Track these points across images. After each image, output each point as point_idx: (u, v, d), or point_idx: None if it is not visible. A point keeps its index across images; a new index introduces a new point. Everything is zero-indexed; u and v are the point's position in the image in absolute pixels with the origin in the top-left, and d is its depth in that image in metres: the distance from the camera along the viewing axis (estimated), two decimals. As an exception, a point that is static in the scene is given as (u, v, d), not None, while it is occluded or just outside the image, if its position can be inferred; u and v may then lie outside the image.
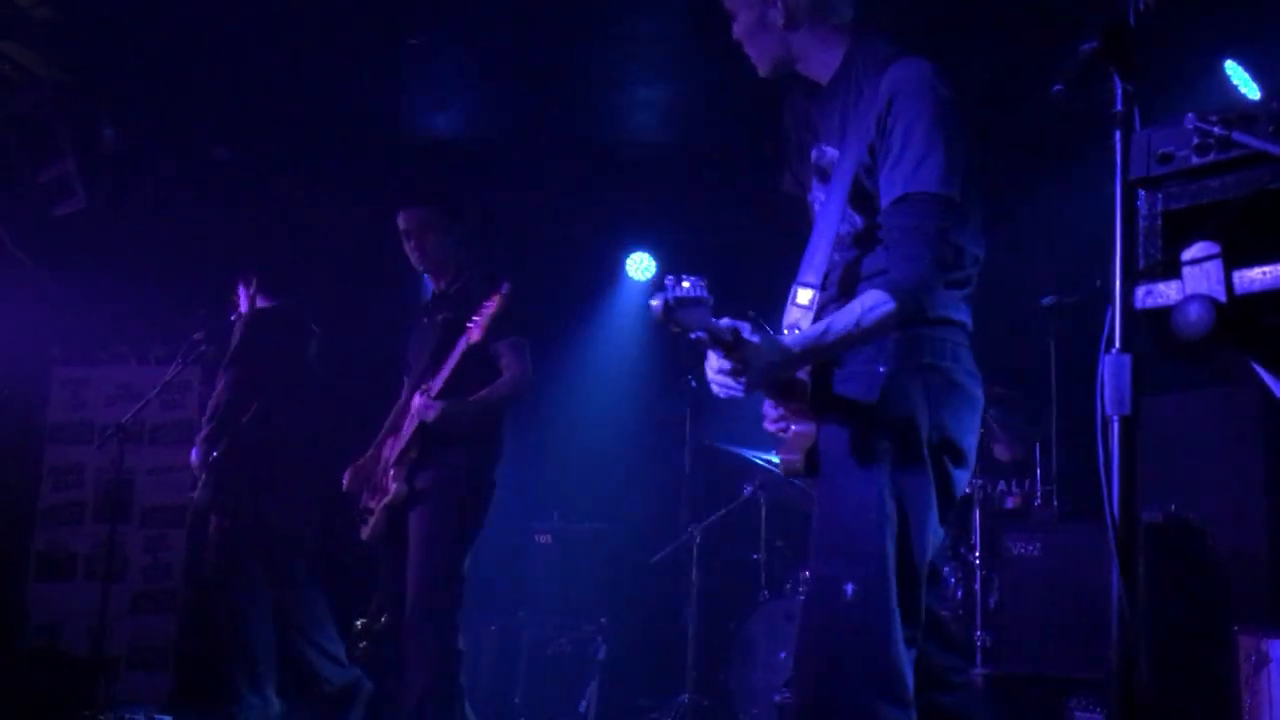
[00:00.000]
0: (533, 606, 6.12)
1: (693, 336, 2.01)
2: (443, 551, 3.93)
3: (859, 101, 2.33)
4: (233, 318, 5.48)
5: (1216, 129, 1.22)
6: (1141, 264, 1.32)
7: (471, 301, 3.99)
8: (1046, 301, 4.53)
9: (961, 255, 2.32)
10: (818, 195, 2.49)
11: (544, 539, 6.24)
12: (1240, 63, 4.24)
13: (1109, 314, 1.49)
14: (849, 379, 2.29)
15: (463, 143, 6.46)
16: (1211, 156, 1.24)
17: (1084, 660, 3.61)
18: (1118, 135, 1.59)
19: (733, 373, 2.09)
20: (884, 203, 2.25)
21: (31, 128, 5.38)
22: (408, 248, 4.23)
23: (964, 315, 2.36)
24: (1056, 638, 3.67)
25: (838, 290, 2.38)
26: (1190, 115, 1.25)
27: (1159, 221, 1.30)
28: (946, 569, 4.84)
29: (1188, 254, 1.27)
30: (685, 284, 1.95)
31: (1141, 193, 1.32)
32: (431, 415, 3.91)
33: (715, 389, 2.21)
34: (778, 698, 4.70)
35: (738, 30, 2.48)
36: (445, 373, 3.94)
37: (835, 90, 2.41)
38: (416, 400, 3.98)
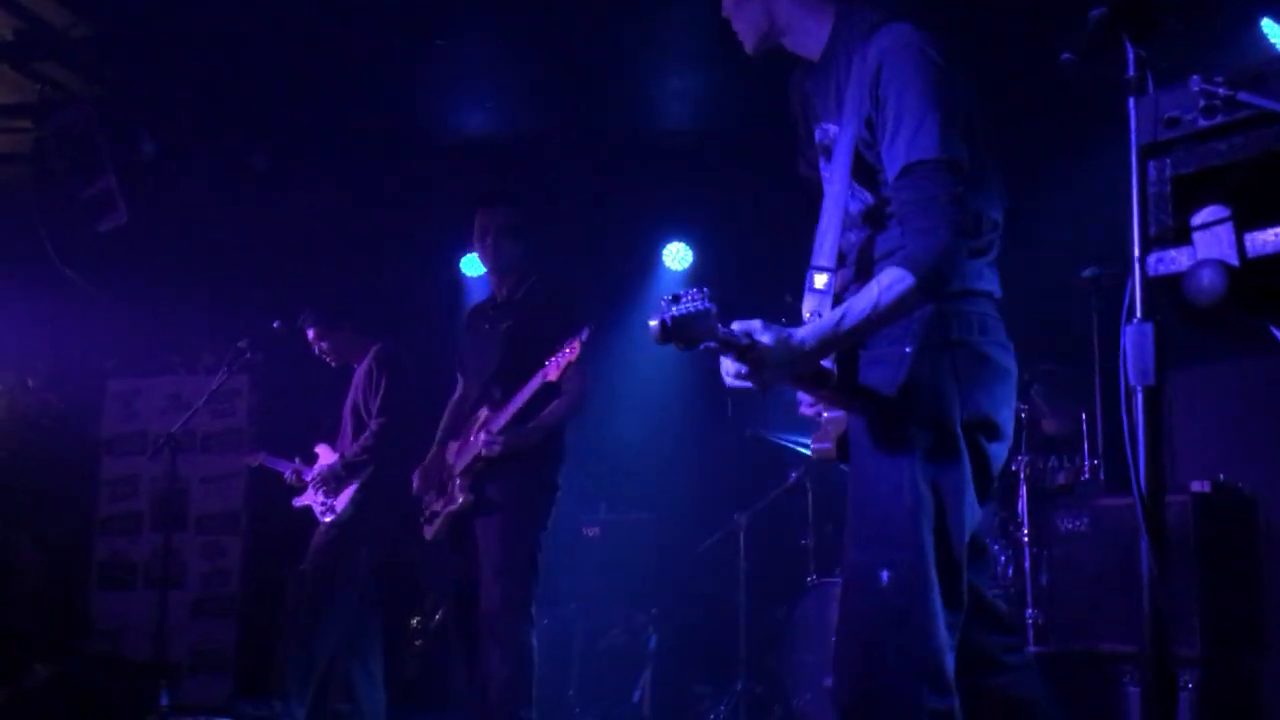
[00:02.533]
0: (584, 599, 6.15)
1: (702, 348, 2.00)
2: (517, 553, 3.99)
3: (850, 75, 2.27)
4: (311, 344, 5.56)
5: (1222, 90, 1.19)
6: (1153, 231, 1.30)
7: (538, 318, 4.10)
8: (1087, 273, 4.45)
9: (980, 221, 2.25)
10: (826, 176, 2.42)
11: (592, 532, 6.26)
12: (1278, 20, 4.15)
13: (1129, 284, 1.47)
14: (875, 362, 2.23)
15: (497, 140, 6.49)
16: (1219, 118, 1.21)
17: (1137, 634, 3.55)
18: (1131, 102, 1.57)
19: (748, 375, 2.07)
20: (890, 177, 2.19)
21: (73, 146, 5.47)
22: (479, 247, 4.26)
23: (990, 283, 2.30)
24: (1108, 613, 3.62)
25: (855, 271, 2.33)
26: (1195, 77, 1.23)
27: (1168, 187, 1.27)
28: (996, 547, 4.82)
29: (1198, 219, 1.25)
30: (680, 301, 1.93)
31: (1151, 159, 1.29)
32: (495, 451, 3.99)
33: (731, 386, 2.18)
34: (829, 681, 4.68)
35: (725, 4, 2.44)
36: (513, 408, 4.03)
37: (827, 65, 2.36)
38: (480, 437, 4.05)
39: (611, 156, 6.45)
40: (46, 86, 5.51)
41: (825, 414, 2.33)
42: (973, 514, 2.23)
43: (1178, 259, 1.28)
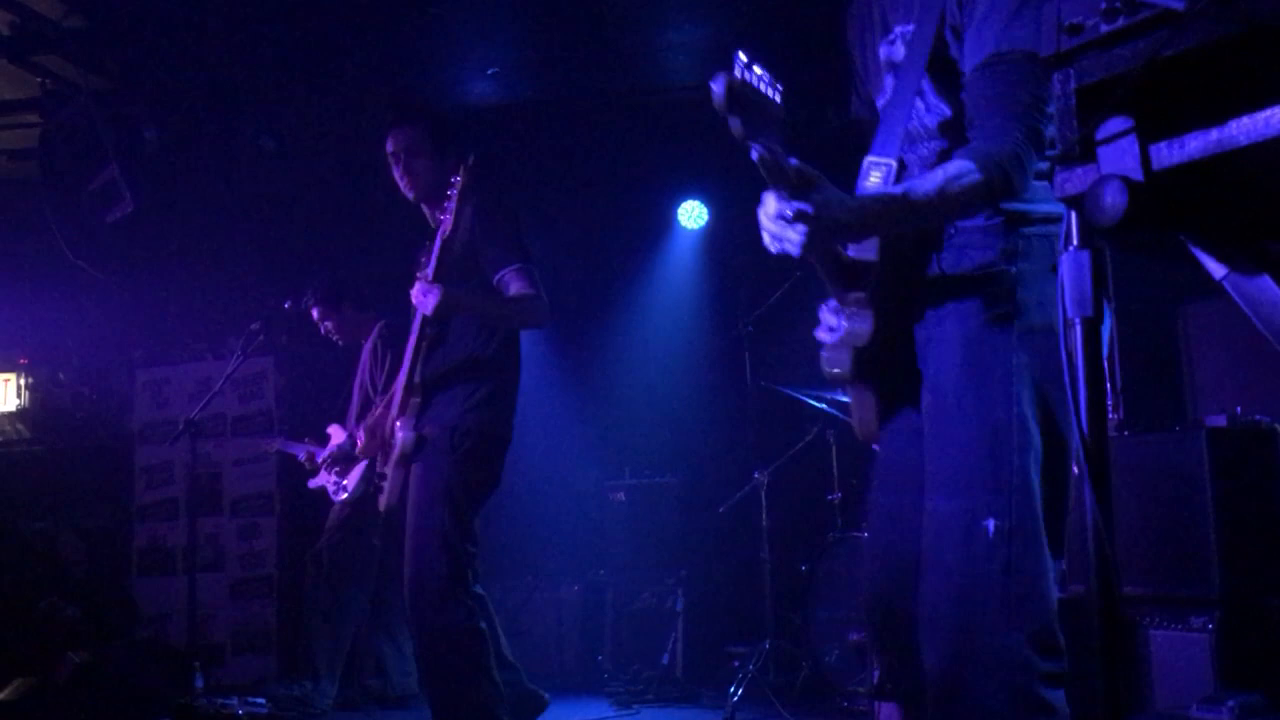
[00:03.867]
0: (613, 564, 6.14)
1: (753, 154, 1.68)
2: (439, 504, 3.44)
3: None
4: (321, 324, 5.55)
5: (1120, -10, 1.10)
6: (1058, 149, 1.21)
7: (471, 234, 3.57)
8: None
9: (1042, 141, 1.94)
10: (892, 84, 2.15)
11: (618, 496, 6.24)
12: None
13: (1056, 179, 1.36)
14: (974, 282, 1.97)
15: (504, 107, 6.42)
16: (1120, 21, 1.11)
17: (1157, 577, 3.45)
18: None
19: (795, 217, 1.75)
20: (969, 67, 1.93)
21: (77, 138, 5.48)
22: (396, 175, 3.70)
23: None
24: (1126, 555, 3.50)
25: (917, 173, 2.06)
26: (1093, -22, 1.13)
27: (1073, 101, 1.18)
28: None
29: (1101, 132, 1.16)
30: (757, 70, 1.64)
31: (1056, 71, 1.20)
32: (432, 302, 3.39)
33: (767, 241, 1.85)
34: (853, 636, 4.63)
35: None
36: (433, 262, 3.52)
37: None
38: (414, 291, 3.48)
39: (620, 117, 6.35)
40: (47, 80, 5.52)
41: (843, 323, 2.01)
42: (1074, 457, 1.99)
43: (1083, 177, 1.19)
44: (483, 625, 3.44)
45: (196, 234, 6.60)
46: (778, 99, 1.68)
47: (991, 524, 1.87)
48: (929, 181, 1.86)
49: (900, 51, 2.09)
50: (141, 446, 7.32)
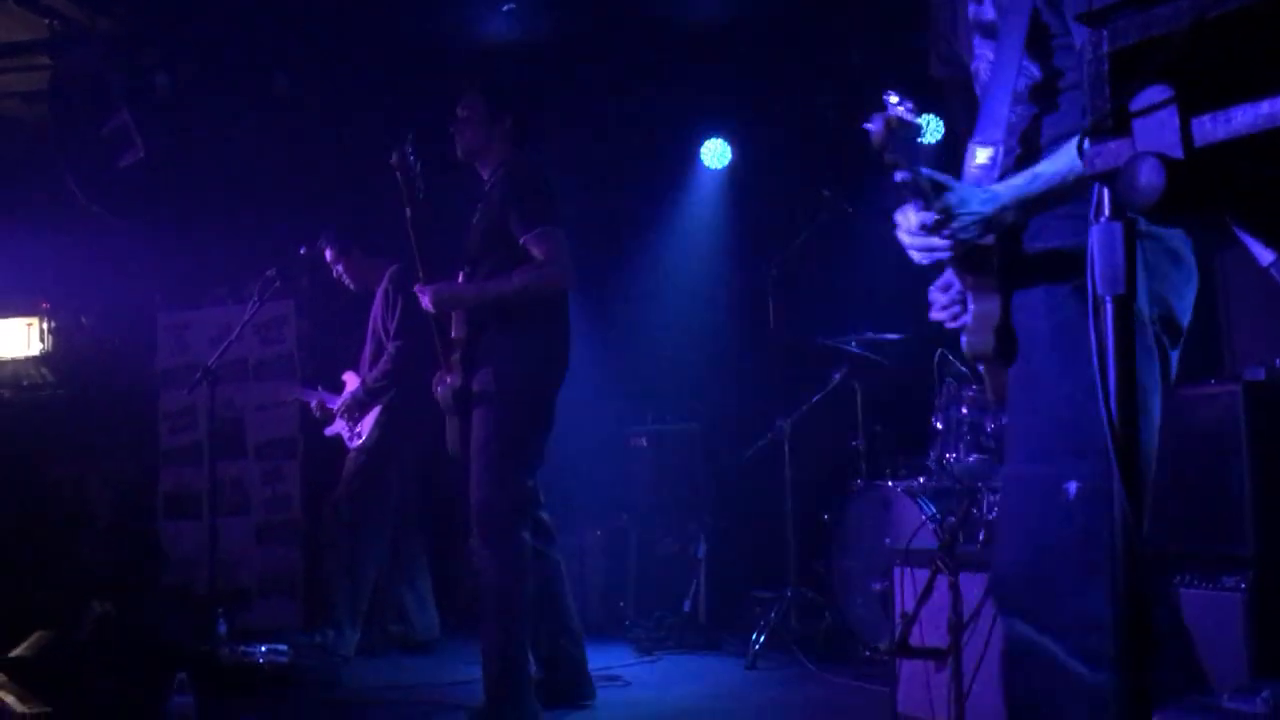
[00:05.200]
0: (635, 510, 6.10)
1: (898, 178, 1.78)
2: (497, 446, 3.76)
3: None
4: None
5: (1162, -59, 0.98)
6: (1088, 119, 1.09)
7: (497, 209, 3.87)
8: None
9: None
10: (983, 55, 2.13)
11: (640, 442, 6.18)
12: None
13: (1086, 152, 1.25)
14: (1057, 245, 1.97)
15: (521, 46, 6.25)
16: (1162, -22, 0.99)
17: (1187, 532, 3.34)
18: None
19: (936, 226, 1.83)
20: (1077, 38, 1.86)
21: (87, 82, 5.39)
22: (454, 130, 4.10)
23: None
24: (1158, 510, 3.40)
25: (1019, 155, 2.05)
26: (1131, -70, 1.01)
27: (1105, 65, 1.06)
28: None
29: (1137, 103, 1.04)
30: (903, 103, 1.74)
31: (1089, 30, 1.08)
32: (426, 302, 3.86)
33: (914, 255, 1.96)
34: (877, 586, 4.57)
35: None
36: (419, 262, 3.98)
37: None
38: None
39: (640, 53, 6.18)
40: (55, 22, 5.41)
41: (972, 306, 2.05)
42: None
43: (1116, 152, 1.08)
44: (538, 574, 3.85)
45: (213, 178, 6.52)
46: (918, 121, 1.75)
47: (1073, 486, 1.88)
48: (1058, 163, 1.86)
49: (989, 12, 2.06)
50: (165, 391, 7.30)
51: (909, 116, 1.73)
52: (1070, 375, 1.90)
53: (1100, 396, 1.35)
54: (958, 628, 3.18)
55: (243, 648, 4.98)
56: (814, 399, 5.29)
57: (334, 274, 5.43)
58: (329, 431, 5.46)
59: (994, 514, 4.48)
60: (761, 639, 4.86)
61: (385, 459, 5.16)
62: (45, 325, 7.25)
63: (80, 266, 7.12)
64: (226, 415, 6.91)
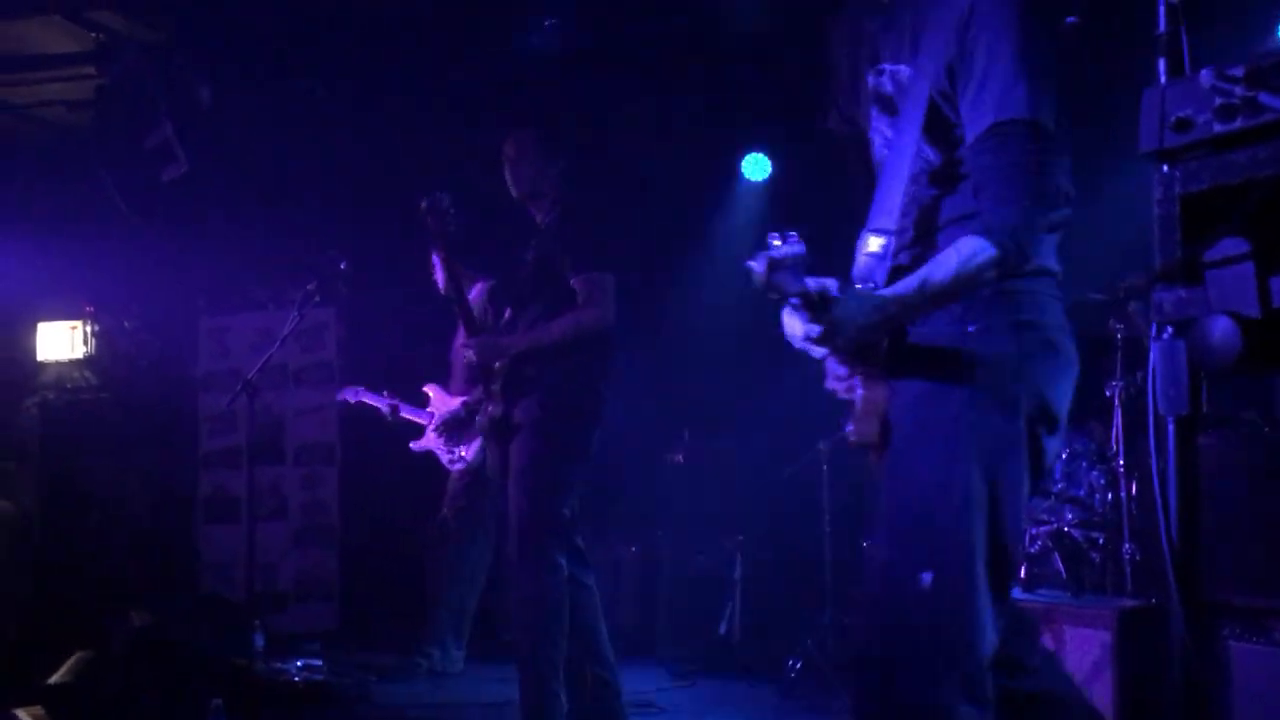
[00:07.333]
0: (670, 527, 6.07)
1: (789, 304, 1.89)
2: (534, 480, 3.77)
3: (932, 14, 2.03)
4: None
5: (1239, 89, 0.93)
6: (1158, 263, 1.05)
7: (553, 246, 3.89)
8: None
9: (1056, 194, 1.97)
10: (879, 129, 2.19)
11: (677, 459, 6.15)
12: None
13: (1154, 297, 1.21)
14: (930, 340, 2.04)
15: (562, 58, 6.22)
16: (1238, 123, 0.94)
17: (1242, 580, 3.26)
18: (1162, 65, 1.29)
19: (822, 338, 1.90)
20: (969, 135, 1.96)
21: (131, 94, 5.41)
22: (507, 173, 4.06)
23: (1056, 262, 2.04)
24: (1207, 559, 3.32)
25: (914, 236, 2.11)
26: (1206, 70, 0.96)
27: (1176, 207, 1.01)
28: (1094, 473, 4.53)
29: (1212, 254, 0.99)
30: (779, 243, 1.83)
31: (1156, 170, 1.03)
32: (471, 355, 3.95)
33: (800, 348, 2.06)
34: (916, 619, 4.51)
35: None
36: (461, 320, 4.09)
37: (903, 1, 2.12)
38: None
39: (681, 66, 6.12)
40: (101, 35, 5.44)
41: (861, 391, 2.12)
42: (1024, 511, 2.05)
43: (1188, 302, 1.03)
44: (568, 594, 3.81)
45: (253, 186, 6.55)
46: (801, 248, 1.82)
47: (927, 577, 1.94)
48: (943, 267, 1.93)
49: (888, 85, 2.12)
50: (204, 394, 7.35)
51: (793, 250, 1.80)
52: (931, 466, 1.98)
53: (1160, 517, 1.31)
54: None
55: (278, 663, 5.00)
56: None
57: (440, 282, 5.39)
58: (417, 447, 5.50)
59: (1035, 547, 4.43)
60: (798, 666, 4.82)
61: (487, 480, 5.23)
62: (89, 329, 7.31)
63: (123, 271, 7.17)
64: (266, 420, 6.94)
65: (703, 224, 6.67)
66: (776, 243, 1.82)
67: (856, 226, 2.30)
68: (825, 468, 5.24)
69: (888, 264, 2.05)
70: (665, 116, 6.47)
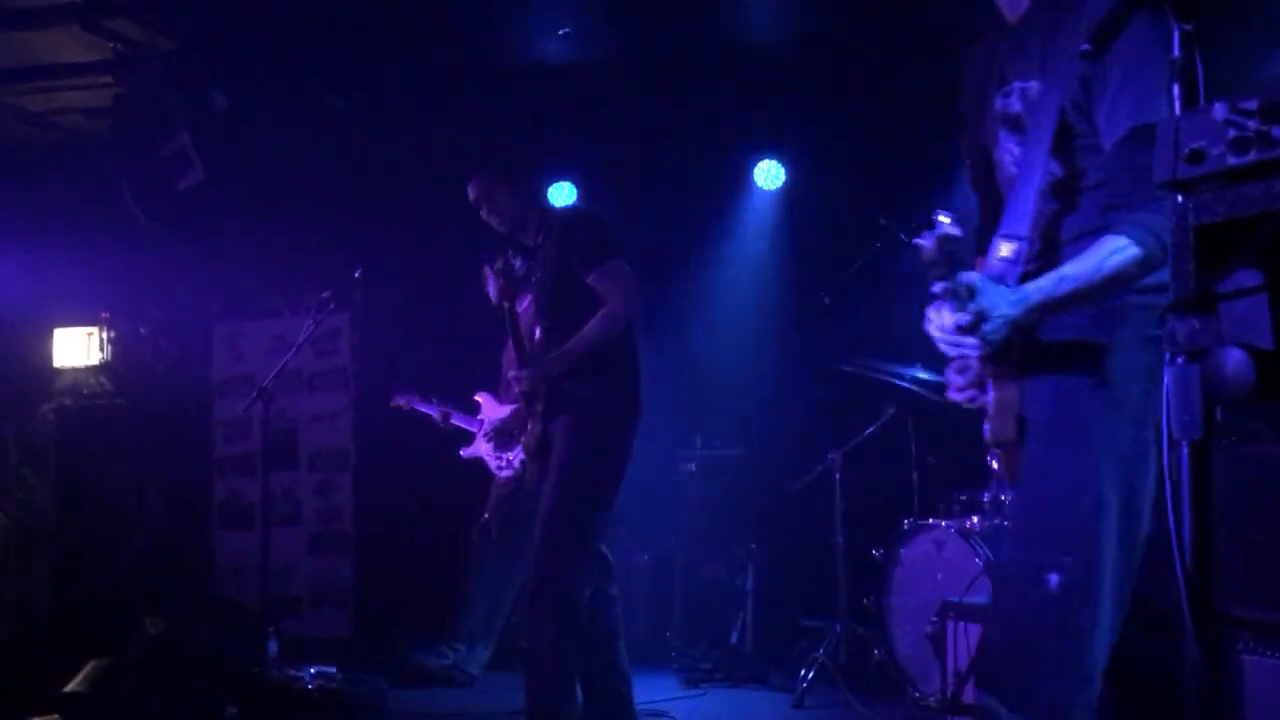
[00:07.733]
0: (683, 535, 6.07)
1: (936, 288, 1.92)
2: (561, 499, 3.76)
3: (1061, 30, 2.07)
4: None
5: (1253, 122, 0.93)
6: (1172, 293, 1.05)
7: (560, 256, 3.90)
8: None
9: None
10: (1008, 148, 2.25)
11: (689, 467, 6.15)
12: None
13: (1168, 327, 1.21)
14: (1071, 349, 2.07)
15: (576, 67, 6.24)
16: (1251, 155, 0.95)
17: (1251, 596, 3.25)
18: (1176, 90, 1.29)
19: (969, 328, 1.94)
20: (1107, 140, 1.99)
21: (148, 103, 5.45)
22: (485, 216, 4.12)
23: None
24: (1221, 571, 3.31)
25: (1040, 248, 2.14)
26: (1220, 104, 0.96)
27: (1189, 238, 1.02)
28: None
29: (1226, 285, 1.00)
30: (947, 220, 1.88)
31: (1170, 200, 1.04)
32: (522, 387, 3.93)
33: (944, 348, 2.09)
34: (928, 629, 4.50)
35: None
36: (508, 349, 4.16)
37: (1033, 22, 2.17)
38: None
39: (693, 75, 6.13)
40: (118, 44, 5.47)
41: (993, 393, 2.14)
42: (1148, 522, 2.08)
43: (1200, 332, 1.03)
44: (589, 604, 3.81)
45: (268, 193, 6.58)
46: (960, 232, 1.88)
47: (1054, 579, 1.97)
48: (1084, 261, 1.95)
49: (1016, 105, 2.17)
50: (219, 400, 7.39)
51: (955, 232, 1.85)
52: (1066, 470, 2.01)
53: (1174, 542, 1.31)
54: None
55: (292, 670, 5.01)
56: (867, 431, 5.22)
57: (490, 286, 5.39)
58: (467, 453, 5.54)
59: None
60: (810, 675, 4.82)
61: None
62: (105, 335, 7.37)
63: (139, 278, 7.22)
64: (280, 426, 6.99)
65: (715, 232, 6.66)
66: (944, 219, 1.86)
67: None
68: (838, 477, 5.24)
69: (1019, 269, 2.08)
70: (678, 125, 6.48)
